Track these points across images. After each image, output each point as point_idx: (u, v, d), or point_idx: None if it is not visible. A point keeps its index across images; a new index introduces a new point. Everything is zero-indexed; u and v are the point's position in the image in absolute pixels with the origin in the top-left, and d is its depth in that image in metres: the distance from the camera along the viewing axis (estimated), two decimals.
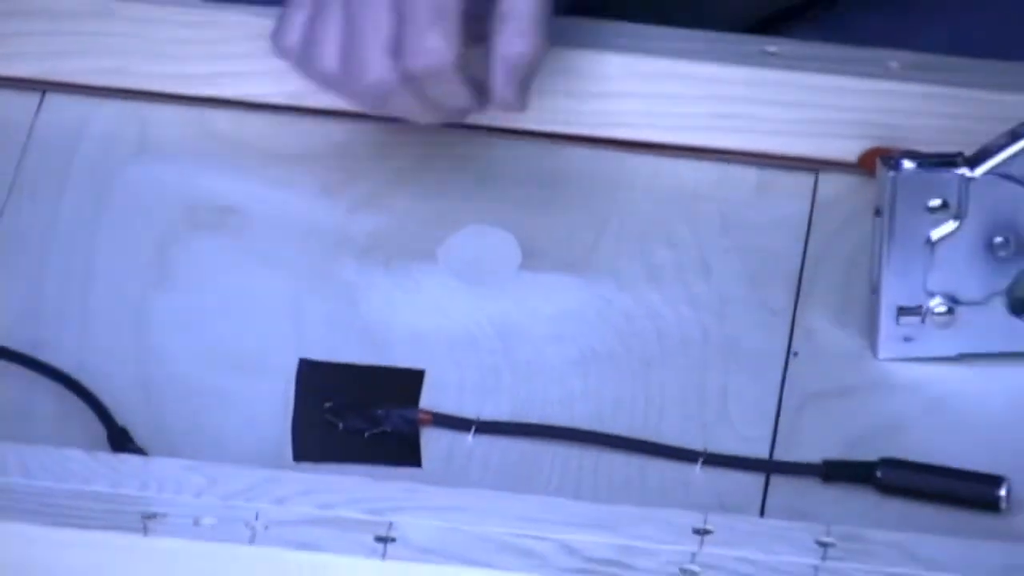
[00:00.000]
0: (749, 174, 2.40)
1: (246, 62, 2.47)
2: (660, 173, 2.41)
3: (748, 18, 2.71)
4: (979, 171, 2.17)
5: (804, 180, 2.39)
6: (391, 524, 2.01)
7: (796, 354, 2.24)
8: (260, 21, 2.46)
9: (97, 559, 2.04)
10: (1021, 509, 2.14)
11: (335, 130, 2.43)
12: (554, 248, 2.33)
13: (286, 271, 2.31)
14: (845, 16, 2.70)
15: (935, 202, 2.18)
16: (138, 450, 2.11)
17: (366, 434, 2.16)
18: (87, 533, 2.01)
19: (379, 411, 2.17)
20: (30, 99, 2.41)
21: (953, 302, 2.20)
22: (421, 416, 2.16)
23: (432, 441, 2.16)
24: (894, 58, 2.44)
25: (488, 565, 2.00)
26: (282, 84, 2.45)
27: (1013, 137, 2.19)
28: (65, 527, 2.02)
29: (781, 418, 2.20)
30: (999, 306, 2.21)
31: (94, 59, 2.43)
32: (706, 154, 2.41)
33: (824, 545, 1.99)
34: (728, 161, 2.41)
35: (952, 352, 2.22)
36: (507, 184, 2.40)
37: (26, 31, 2.43)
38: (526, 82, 2.47)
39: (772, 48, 2.43)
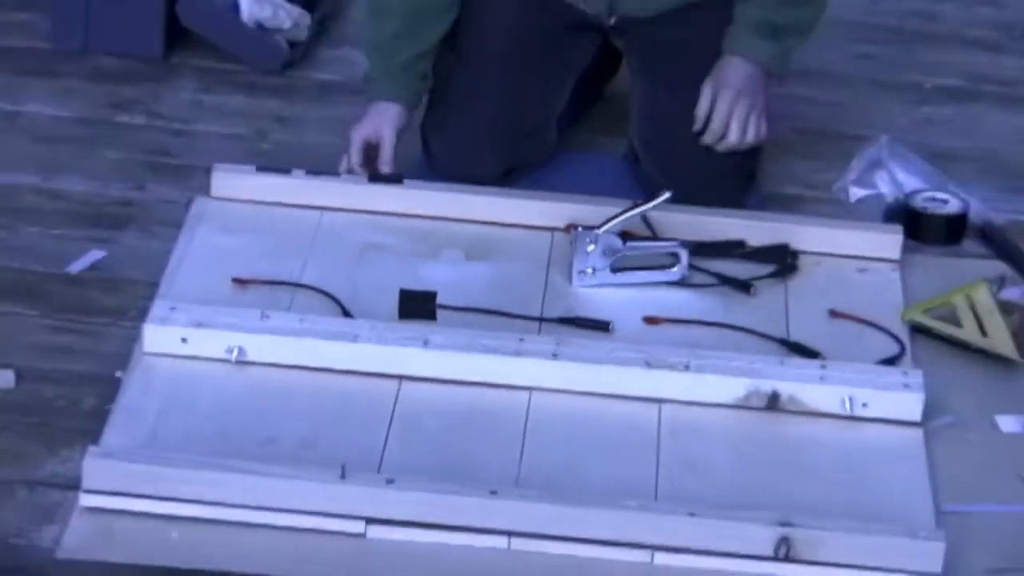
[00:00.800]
0: (535, 233, 2.26)
1: (381, 202, 2.29)
2: (509, 234, 2.27)
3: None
4: (602, 230, 2.17)
5: (548, 235, 2.26)
6: (428, 336, 2.03)
7: (550, 287, 2.17)
8: (389, 191, 2.30)
9: (332, 351, 2.01)
10: (621, 335, 2.09)
11: (411, 221, 2.28)
12: (472, 254, 2.22)
13: (394, 265, 2.21)
14: (540, 177, 2.37)
15: (591, 239, 2.16)
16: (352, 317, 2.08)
17: (422, 312, 2.12)
18: (330, 343, 2.02)
19: (425, 301, 2.13)
20: (316, 214, 2.28)
21: (595, 265, 2.16)
22: (436, 306, 2.13)
23: (440, 314, 2.11)
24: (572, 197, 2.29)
25: (461, 352, 2.01)
26: (396, 204, 2.29)
27: (612, 219, 2.16)
28: (328, 340, 2.01)
29: (544, 306, 2.14)
30: (608, 270, 2.17)
31: (336, 199, 2.28)
32: (512, 227, 2.28)
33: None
34: (529, 228, 2.28)
35: (598, 283, 2.18)
36: (458, 235, 2.25)
37: (303, 191, 2.29)
38: None
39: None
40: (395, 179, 2.32)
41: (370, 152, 2.29)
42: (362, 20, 2.33)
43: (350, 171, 2.29)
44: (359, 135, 2.27)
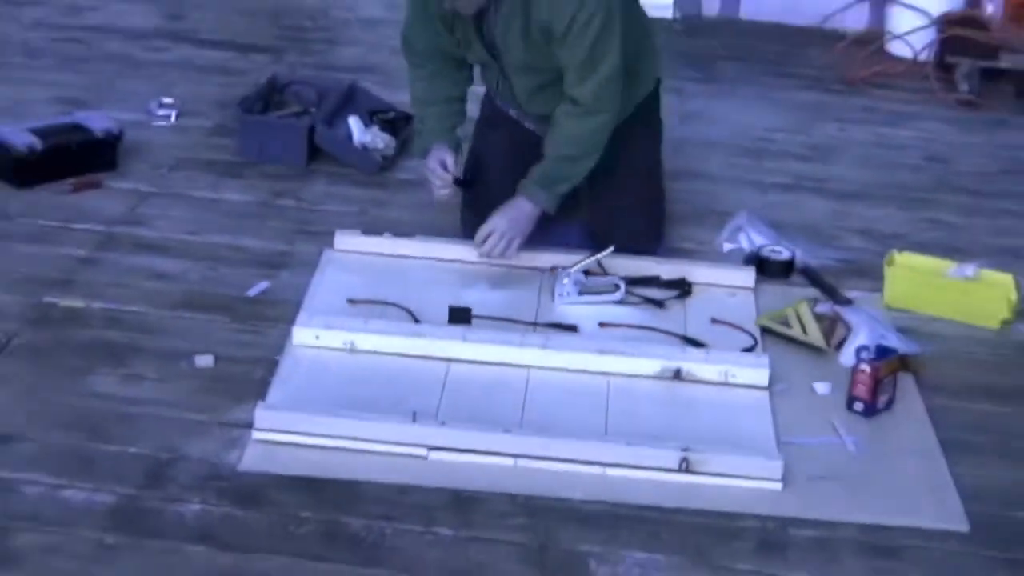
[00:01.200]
0: (532, 272, 2.16)
1: (438, 253, 2.19)
2: (516, 273, 2.13)
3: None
4: (572, 270, 2.10)
5: (539, 273, 2.15)
6: (467, 334, 1.95)
7: (541, 305, 2.04)
8: (444, 246, 2.19)
9: (408, 344, 1.93)
10: (585, 334, 2.01)
11: (456, 264, 2.16)
12: (494, 285, 2.11)
13: (446, 291, 2.09)
14: (534, 239, 2.18)
15: (566, 275, 2.10)
16: (420, 322, 2.00)
17: (463, 319, 2.02)
18: (407, 338, 1.94)
19: (464, 313, 2.04)
20: (398, 260, 2.18)
21: (568, 291, 2.09)
22: (471, 316, 2.03)
23: (474, 321, 2.01)
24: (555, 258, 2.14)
25: (487, 344, 1.92)
26: (447, 254, 2.17)
27: (578, 263, 2.07)
28: (406, 337, 1.95)
29: (537, 316, 2.06)
30: (576, 294, 2.09)
31: (412, 251, 2.20)
32: (518, 268, 2.15)
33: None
34: (528, 269, 2.15)
35: (571, 302, 2.09)
36: (484, 273, 2.13)
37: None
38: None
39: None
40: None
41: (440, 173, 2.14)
42: (417, 125, 2.22)
43: (442, 181, 2.12)
44: (433, 161, 2.13)
